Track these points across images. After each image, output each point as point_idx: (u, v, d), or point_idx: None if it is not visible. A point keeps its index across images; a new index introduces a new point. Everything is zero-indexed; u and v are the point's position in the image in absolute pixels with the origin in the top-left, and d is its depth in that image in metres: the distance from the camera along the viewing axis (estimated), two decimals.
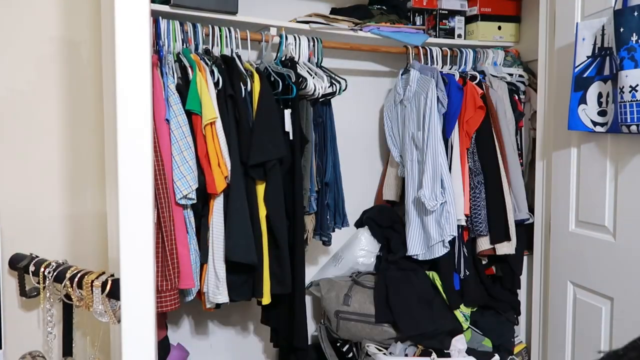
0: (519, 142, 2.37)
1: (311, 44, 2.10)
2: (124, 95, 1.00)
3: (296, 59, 2.05)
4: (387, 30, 2.26)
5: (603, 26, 1.65)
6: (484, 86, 2.27)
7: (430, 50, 2.33)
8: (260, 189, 1.85)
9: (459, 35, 2.47)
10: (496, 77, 2.35)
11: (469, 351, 2.19)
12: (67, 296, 1.49)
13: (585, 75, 1.71)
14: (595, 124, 1.70)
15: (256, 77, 1.87)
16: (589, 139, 1.79)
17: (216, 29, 1.92)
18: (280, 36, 2.03)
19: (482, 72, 2.34)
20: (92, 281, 1.42)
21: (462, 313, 2.22)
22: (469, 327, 2.25)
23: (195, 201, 1.78)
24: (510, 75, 2.39)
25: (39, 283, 1.50)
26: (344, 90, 2.11)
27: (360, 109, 2.51)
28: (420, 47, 2.31)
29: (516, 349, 2.34)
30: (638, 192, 1.61)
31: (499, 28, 2.47)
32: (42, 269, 1.48)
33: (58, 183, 1.65)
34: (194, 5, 1.87)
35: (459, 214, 2.13)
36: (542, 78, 2.13)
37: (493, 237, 2.18)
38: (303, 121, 2.02)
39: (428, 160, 2.10)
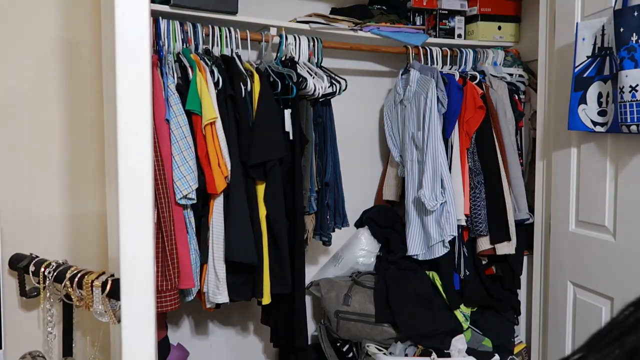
0: (519, 142, 2.37)
1: (311, 44, 2.10)
2: (124, 95, 1.00)
3: (296, 59, 2.05)
4: (387, 30, 2.26)
5: (603, 26, 1.65)
6: (484, 86, 2.27)
7: (430, 50, 2.33)
8: (260, 189, 1.85)
9: (459, 35, 2.47)
10: (496, 77, 2.35)
11: (469, 351, 2.19)
12: (67, 296, 1.49)
13: (585, 75, 1.71)
14: (595, 124, 1.70)
15: (256, 77, 1.87)
16: (589, 139, 1.79)
17: (216, 29, 1.92)
18: (280, 36, 2.03)
19: (482, 72, 2.34)
20: (92, 281, 1.42)
21: (462, 313, 2.22)
22: (469, 327, 2.25)
23: (195, 201, 1.78)
24: (510, 75, 2.39)
25: (39, 283, 1.50)
26: (344, 90, 2.11)
27: (360, 109, 2.51)
28: (420, 47, 2.31)
29: (516, 349, 2.34)
30: (638, 192, 1.61)
31: (499, 28, 2.47)
32: (42, 269, 1.48)
33: (58, 183, 1.65)
34: (194, 5, 1.87)
35: (459, 214, 2.13)
36: (542, 78, 2.13)
37: (493, 237, 2.18)
38: (303, 121, 2.02)
39: (428, 160, 2.10)
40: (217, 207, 1.83)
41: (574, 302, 1.90)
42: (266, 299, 1.87)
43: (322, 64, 2.13)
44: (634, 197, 1.63)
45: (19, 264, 1.53)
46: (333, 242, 2.18)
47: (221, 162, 1.78)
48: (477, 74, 2.31)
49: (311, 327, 2.39)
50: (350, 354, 2.24)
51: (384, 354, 2.14)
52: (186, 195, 1.74)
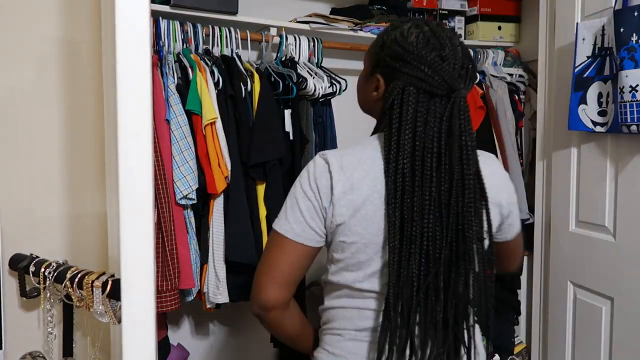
0: (519, 142, 2.37)
1: (311, 44, 2.10)
2: (124, 95, 1.00)
3: (296, 59, 2.05)
4: None
5: (603, 26, 1.65)
6: (484, 86, 2.27)
7: None
8: (261, 189, 1.85)
9: (459, 36, 2.47)
10: (496, 77, 2.35)
11: None
12: (68, 296, 1.49)
13: (585, 75, 1.71)
14: (595, 124, 1.70)
15: (256, 77, 1.87)
16: (589, 139, 1.79)
17: (216, 29, 1.92)
18: (280, 36, 2.03)
19: (482, 72, 2.34)
20: (93, 281, 1.42)
21: None
22: None
23: (195, 201, 1.78)
24: (510, 75, 2.39)
25: (39, 283, 1.50)
26: (344, 91, 2.11)
27: (360, 109, 2.50)
28: None
29: (516, 349, 2.34)
30: (638, 192, 1.61)
31: (499, 28, 2.47)
32: (42, 270, 1.48)
33: (58, 183, 1.65)
34: (194, 6, 1.87)
35: None
36: (542, 78, 2.13)
37: None
38: (303, 121, 2.02)
39: None
40: (217, 207, 1.82)
41: (574, 302, 1.90)
42: None
43: (322, 64, 2.13)
44: (634, 197, 1.63)
45: (19, 264, 1.53)
46: None
47: (221, 162, 1.78)
48: (477, 74, 2.31)
49: None
50: None
51: None
52: (186, 195, 1.74)
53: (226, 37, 1.93)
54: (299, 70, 1.99)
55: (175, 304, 1.72)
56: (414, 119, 0.98)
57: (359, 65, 2.46)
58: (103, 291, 1.41)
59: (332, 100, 2.14)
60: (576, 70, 1.73)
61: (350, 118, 2.44)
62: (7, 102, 1.58)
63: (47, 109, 1.63)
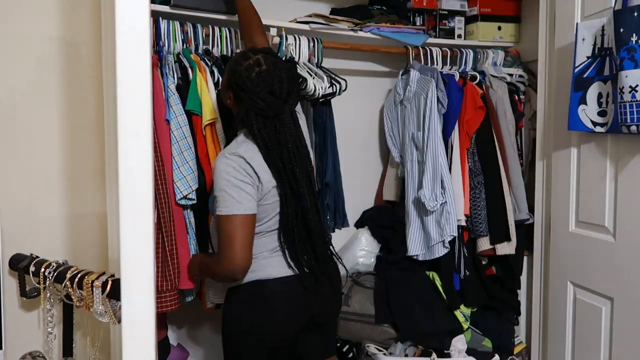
0: (519, 142, 2.37)
1: (311, 44, 2.10)
2: (124, 95, 1.00)
3: (296, 59, 2.05)
4: (387, 31, 2.26)
5: (603, 26, 1.65)
6: (483, 86, 2.27)
7: (430, 50, 2.33)
8: None
9: (459, 36, 2.47)
10: (496, 77, 2.35)
11: (469, 351, 2.19)
12: (68, 296, 1.49)
13: (585, 76, 1.71)
14: (595, 124, 1.70)
15: None
16: (589, 139, 1.79)
17: (216, 29, 1.92)
18: (280, 36, 2.03)
19: (482, 73, 2.34)
20: (93, 281, 1.42)
21: (462, 313, 2.22)
22: (469, 328, 2.24)
23: (195, 201, 1.78)
24: (510, 75, 2.39)
25: (39, 283, 1.50)
26: (344, 91, 2.11)
27: (360, 109, 2.51)
28: (420, 48, 2.31)
29: (516, 349, 2.34)
30: (638, 192, 1.61)
31: (499, 28, 2.47)
32: (42, 270, 1.48)
33: (58, 183, 1.65)
34: (194, 6, 1.87)
35: (459, 214, 2.13)
36: (542, 78, 2.13)
37: (493, 238, 2.18)
38: None
39: (428, 160, 2.10)
40: None
41: (574, 302, 1.90)
42: None
43: (322, 64, 2.13)
44: (634, 197, 1.63)
45: (19, 265, 1.53)
46: (333, 242, 2.17)
47: None
48: (477, 74, 2.31)
49: None
50: (350, 354, 2.24)
51: (384, 354, 2.14)
52: (186, 195, 1.74)
53: (226, 37, 1.93)
54: (298, 71, 1.99)
55: (175, 304, 1.72)
56: (260, 132, 1.48)
57: (359, 65, 2.48)
58: (103, 291, 1.41)
59: (332, 100, 2.15)
60: (576, 70, 1.73)
61: (350, 118, 2.45)
62: (7, 102, 1.58)
63: (47, 109, 1.63)
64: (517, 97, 2.37)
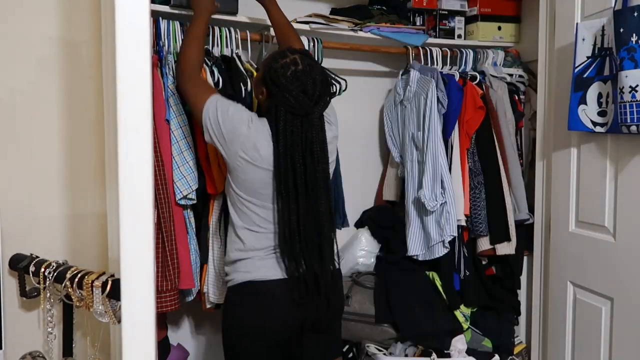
0: (519, 142, 2.37)
1: (311, 44, 2.10)
2: (124, 95, 1.00)
3: None
4: (387, 31, 2.26)
5: (603, 26, 1.65)
6: (483, 86, 2.27)
7: (430, 50, 2.33)
8: None
9: (459, 36, 2.47)
10: (496, 77, 2.35)
11: (469, 351, 2.19)
12: (68, 296, 1.49)
13: (585, 76, 1.71)
14: (595, 124, 1.70)
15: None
16: (589, 139, 1.79)
17: (216, 29, 1.92)
18: None
19: (482, 73, 2.34)
20: (93, 281, 1.42)
21: (462, 313, 2.22)
22: (469, 328, 2.24)
23: (195, 201, 1.78)
24: (510, 75, 2.39)
25: (39, 283, 1.50)
26: (344, 91, 2.11)
27: (360, 109, 2.51)
28: (420, 48, 2.31)
29: (516, 349, 2.34)
30: (638, 192, 1.61)
31: (499, 28, 2.47)
32: (42, 270, 1.48)
33: (58, 183, 1.65)
34: None
35: (459, 214, 2.13)
36: (542, 78, 2.13)
37: (493, 238, 2.17)
38: None
39: (428, 160, 2.10)
40: (217, 207, 1.82)
41: (574, 302, 1.90)
42: None
43: (322, 64, 2.13)
44: (634, 197, 1.63)
45: (19, 264, 1.53)
46: None
47: (221, 162, 1.78)
48: (477, 74, 2.31)
49: None
50: (350, 354, 2.24)
51: (384, 354, 2.14)
52: (186, 195, 1.74)
53: (226, 37, 1.93)
54: None
55: (175, 304, 1.72)
56: (284, 129, 1.49)
57: (359, 65, 2.48)
58: (103, 291, 1.41)
59: (332, 100, 2.14)
60: (576, 70, 1.73)
61: (350, 118, 2.45)
62: (7, 102, 1.58)
63: (47, 109, 1.63)
64: (517, 97, 2.37)
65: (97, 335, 1.58)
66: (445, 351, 2.14)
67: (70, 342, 1.57)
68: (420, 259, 2.17)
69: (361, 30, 2.23)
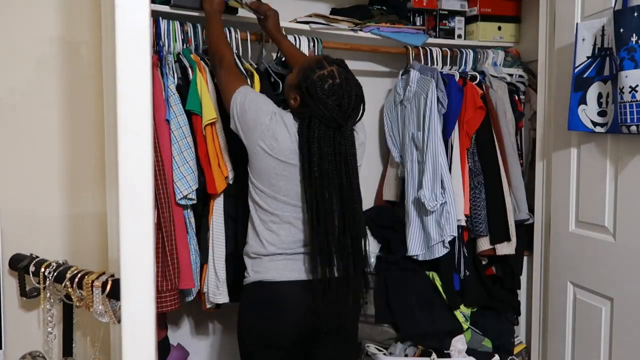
0: (519, 143, 2.37)
1: (311, 44, 2.10)
2: (124, 95, 1.00)
3: None
4: (387, 31, 2.26)
5: (603, 26, 1.65)
6: (483, 86, 2.27)
7: (430, 50, 2.33)
8: None
9: (459, 36, 2.47)
10: (496, 77, 2.35)
11: (469, 351, 2.19)
12: (68, 296, 1.49)
13: (585, 76, 1.71)
14: (595, 124, 1.70)
15: (256, 77, 1.87)
16: (589, 139, 1.79)
17: None
18: None
19: (482, 73, 2.34)
20: (93, 281, 1.42)
21: (462, 313, 2.22)
22: (469, 328, 2.24)
23: (195, 201, 1.78)
24: (510, 75, 2.39)
25: (39, 283, 1.50)
26: None
27: None
28: (420, 48, 2.31)
29: (516, 349, 2.34)
30: (638, 192, 1.61)
31: (499, 28, 2.47)
32: (42, 269, 1.49)
33: (58, 183, 1.65)
34: (194, 6, 1.87)
35: (459, 214, 2.13)
36: (542, 78, 2.13)
37: (493, 238, 2.17)
38: None
39: (428, 160, 2.10)
40: (217, 207, 1.83)
41: (574, 302, 1.90)
42: None
43: None
44: (634, 197, 1.63)
45: (19, 264, 1.53)
46: None
47: (221, 162, 1.78)
48: (477, 74, 2.31)
49: None
50: None
51: (384, 354, 2.14)
52: (186, 195, 1.74)
53: (226, 37, 1.93)
54: None
55: (175, 304, 1.72)
56: (318, 139, 1.50)
57: (359, 65, 2.48)
58: (103, 291, 1.41)
59: None
60: (576, 70, 1.73)
61: None
62: (7, 102, 1.58)
63: (47, 109, 1.63)
64: (517, 97, 2.37)
65: (97, 335, 1.58)
66: (445, 351, 2.14)
67: (70, 342, 1.57)
68: (420, 259, 2.17)
69: (361, 30, 2.23)
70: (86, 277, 1.44)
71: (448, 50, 2.36)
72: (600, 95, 1.68)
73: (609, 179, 1.71)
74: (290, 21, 2.13)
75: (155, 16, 1.80)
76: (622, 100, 1.53)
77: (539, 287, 2.19)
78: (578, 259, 1.87)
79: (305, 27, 2.13)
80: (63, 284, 1.47)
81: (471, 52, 2.39)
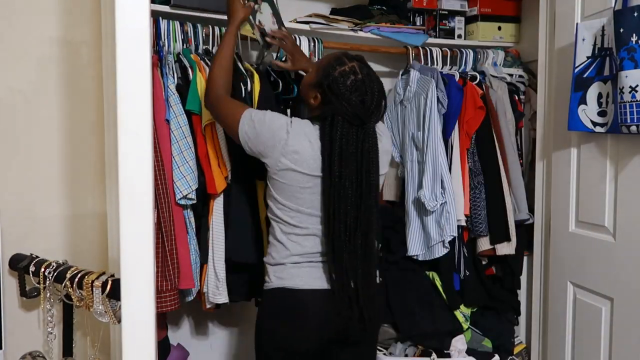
0: (519, 143, 2.37)
1: (311, 44, 2.10)
2: (124, 95, 1.00)
3: None
4: (387, 31, 2.26)
5: (603, 26, 1.65)
6: (483, 86, 2.27)
7: (430, 50, 2.33)
8: (261, 189, 1.85)
9: (459, 36, 2.47)
10: (496, 77, 2.35)
11: (469, 351, 2.19)
12: (68, 296, 1.50)
13: (585, 76, 1.71)
14: (595, 124, 1.70)
15: (256, 77, 1.87)
16: (589, 139, 1.79)
17: (216, 29, 1.92)
18: None
19: (482, 73, 2.34)
20: (93, 281, 1.42)
21: (462, 313, 2.22)
22: (469, 328, 2.24)
23: (195, 201, 1.78)
24: (510, 75, 2.39)
25: (39, 283, 1.50)
26: None
27: None
28: (420, 48, 2.31)
29: (516, 349, 2.34)
30: (638, 192, 1.61)
31: (499, 28, 2.47)
32: (42, 269, 1.49)
33: (58, 183, 1.65)
34: (194, 6, 1.87)
35: (459, 214, 2.13)
36: (542, 78, 2.13)
37: (493, 238, 2.17)
38: None
39: (428, 160, 2.10)
40: (217, 207, 1.83)
41: (574, 302, 1.90)
42: None
43: None
44: (634, 197, 1.63)
45: (19, 264, 1.53)
46: None
47: (221, 162, 1.78)
48: (477, 74, 2.31)
49: None
50: None
51: (384, 354, 2.14)
52: (186, 195, 1.74)
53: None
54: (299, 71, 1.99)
55: (175, 304, 1.72)
56: (341, 137, 1.45)
57: None
58: (103, 291, 1.41)
59: None
60: (576, 70, 1.73)
61: None
62: (7, 102, 1.58)
63: (47, 109, 1.63)
64: (517, 97, 2.37)
65: (97, 335, 1.58)
66: (445, 351, 2.14)
67: (70, 342, 1.57)
68: (420, 259, 2.17)
69: (361, 30, 2.23)
70: (86, 277, 1.44)
71: (448, 50, 2.36)
72: (600, 95, 1.68)
73: (609, 179, 1.71)
74: (291, 21, 2.13)
75: (155, 16, 1.80)
76: (622, 100, 1.53)
77: (539, 287, 2.19)
78: (578, 259, 1.87)
79: (305, 27, 2.13)
80: (63, 284, 1.47)
81: (471, 52, 2.39)
